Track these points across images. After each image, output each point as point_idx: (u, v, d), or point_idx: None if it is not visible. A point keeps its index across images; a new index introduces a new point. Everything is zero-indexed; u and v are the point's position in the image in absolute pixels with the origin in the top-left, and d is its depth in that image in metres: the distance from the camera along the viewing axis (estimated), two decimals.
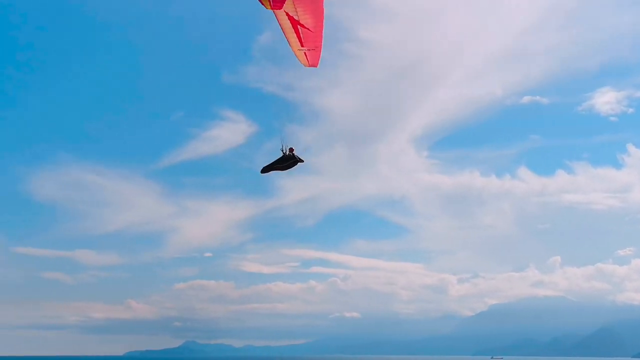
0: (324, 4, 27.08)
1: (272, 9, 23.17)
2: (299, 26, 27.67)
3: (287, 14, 27.22)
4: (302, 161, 28.79)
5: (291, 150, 28.65)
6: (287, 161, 28.45)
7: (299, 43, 28.18)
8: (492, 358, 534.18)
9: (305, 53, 28.60)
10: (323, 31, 28.00)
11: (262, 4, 23.05)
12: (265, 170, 28.62)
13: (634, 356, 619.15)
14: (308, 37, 28.02)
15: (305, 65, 29.09)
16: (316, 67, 29.25)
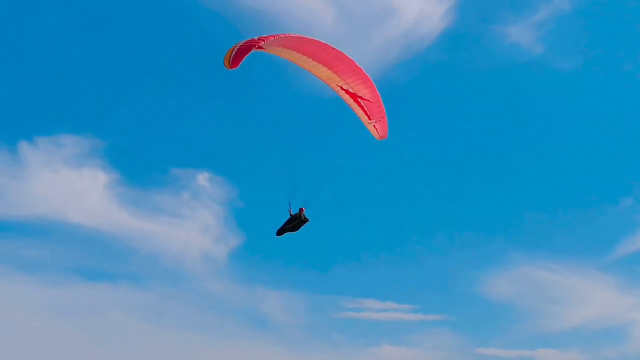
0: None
1: (231, 68, 23.71)
2: (359, 99, 27.40)
3: (342, 88, 27.27)
4: (308, 220, 27.41)
5: (301, 210, 27.57)
6: (294, 221, 27.40)
7: (366, 117, 27.72)
8: None
9: (374, 126, 27.88)
10: (381, 100, 27.23)
11: (225, 66, 23.81)
12: (279, 233, 27.97)
13: None
14: (372, 108, 27.52)
15: (377, 139, 28.22)
16: (386, 138, 28.16)
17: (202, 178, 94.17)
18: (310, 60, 26.33)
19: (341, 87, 27.13)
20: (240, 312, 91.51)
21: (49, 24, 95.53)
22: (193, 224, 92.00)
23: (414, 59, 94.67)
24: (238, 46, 23.98)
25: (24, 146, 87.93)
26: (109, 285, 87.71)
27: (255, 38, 24.34)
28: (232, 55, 23.74)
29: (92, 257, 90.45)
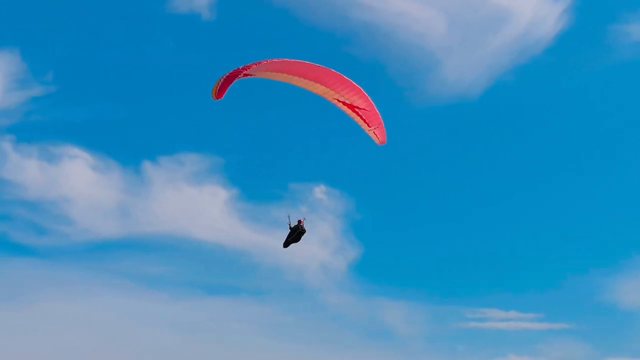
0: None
1: (217, 99, 26.04)
2: (356, 109, 29.11)
3: (339, 101, 29.11)
4: (305, 231, 28.93)
5: (300, 222, 29.15)
6: (294, 233, 29.06)
7: (366, 125, 29.37)
8: None
9: (374, 132, 29.46)
10: (376, 108, 28.78)
11: (212, 97, 26.18)
12: (285, 245, 29.70)
13: None
14: (369, 116, 29.15)
15: (378, 144, 29.75)
16: (385, 143, 29.61)
17: (319, 191, 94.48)
18: (303, 79, 28.40)
19: (338, 100, 28.98)
20: (361, 324, 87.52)
21: (165, 46, 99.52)
22: (312, 237, 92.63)
23: (529, 63, 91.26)
24: (223, 77, 26.46)
25: (147, 166, 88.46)
26: (232, 300, 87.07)
27: (240, 67, 26.75)
28: (218, 87, 26.27)
29: (215, 272, 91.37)
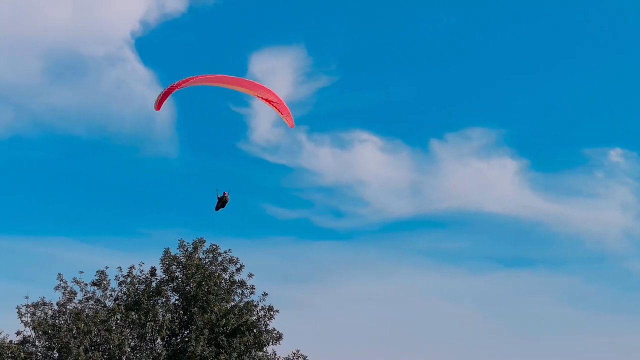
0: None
1: (157, 109, 35.47)
2: (270, 102, 38.43)
3: (258, 97, 38.46)
4: (228, 201, 38.30)
5: (225, 194, 38.46)
6: (220, 202, 38.44)
7: (279, 113, 38.76)
8: None
9: (285, 118, 38.81)
10: (284, 101, 38.10)
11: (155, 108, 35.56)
12: (216, 209, 38.90)
13: None
14: (279, 107, 38.42)
15: (290, 127, 39.22)
16: (294, 127, 39.10)
17: (615, 155, 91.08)
18: (229, 85, 37.70)
19: (257, 96, 38.29)
20: None
21: (444, 22, 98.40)
22: (610, 202, 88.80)
23: None
24: (162, 92, 35.86)
25: (435, 144, 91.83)
26: (529, 271, 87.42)
27: (175, 83, 36.00)
28: (158, 100, 35.72)
29: (510, 245, 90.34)
